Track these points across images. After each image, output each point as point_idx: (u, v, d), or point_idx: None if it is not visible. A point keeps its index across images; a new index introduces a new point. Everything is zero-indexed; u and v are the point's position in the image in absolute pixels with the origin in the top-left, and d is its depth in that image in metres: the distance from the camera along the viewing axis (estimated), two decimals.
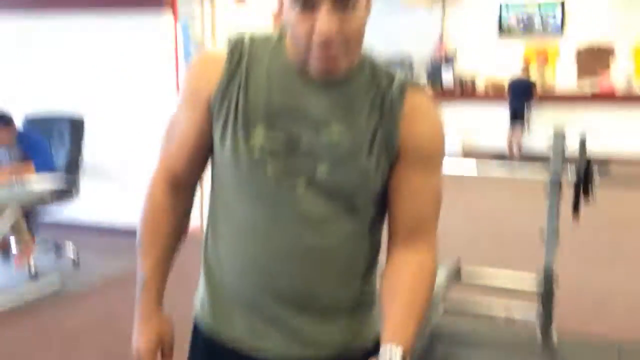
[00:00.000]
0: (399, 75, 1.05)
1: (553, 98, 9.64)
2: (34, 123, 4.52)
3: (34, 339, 3.14)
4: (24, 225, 4.05)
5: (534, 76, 9.55)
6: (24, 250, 4.07)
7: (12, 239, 4.11)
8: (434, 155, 1.05)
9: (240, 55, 1.03)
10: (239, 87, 1.01)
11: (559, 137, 2.77)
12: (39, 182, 3.81)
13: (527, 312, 3.03)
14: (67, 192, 4.24)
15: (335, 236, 1.03)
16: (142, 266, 1.12)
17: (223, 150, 1.02)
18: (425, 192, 1.05)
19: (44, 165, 3.99)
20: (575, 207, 2.65)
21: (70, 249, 4.39)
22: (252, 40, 1.05)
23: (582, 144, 2.74)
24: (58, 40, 5.09)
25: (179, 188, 1.11)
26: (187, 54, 4.91)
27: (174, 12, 4.79)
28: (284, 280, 1.03)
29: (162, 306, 1.15)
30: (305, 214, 1.00)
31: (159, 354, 1.14)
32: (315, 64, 0.96)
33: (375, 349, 0.99)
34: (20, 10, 5.11)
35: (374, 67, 1.04)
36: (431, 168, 1.05)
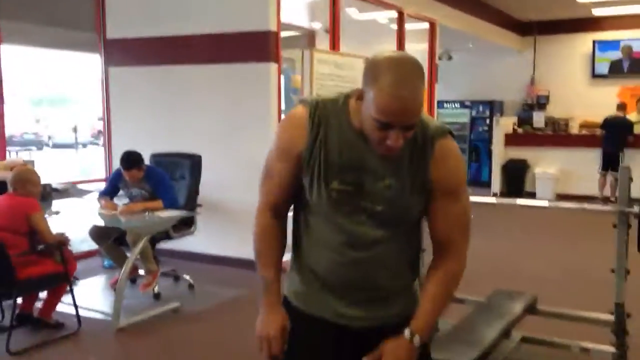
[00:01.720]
0: (431, 126, 1.45)
1: None
2: (159, 160, 5.23)
3: (157, 350, 3.70)
4: (151, 253, 4.71)
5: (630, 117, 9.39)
6: (150, 276, 4.72)
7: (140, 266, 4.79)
8: (458, 188, 1.47)
9: (318, 119, 1.46)
10: (320, 149, 1.46)
11: (625, 172, 3.02)
12: (166, 216, 4.45)
13: (602, 345, 3.22)
14: (187, 225, 4.89)
15: (388, 248, 1.49)
16: (264, 272, 1.56)
17: (311, 192, 1.48)
18: (452, 215, 1.48)
19: (169, 201, 4.63)
20: None
21: (187, 277, 5.02)
22: (324, 105, 1.47)
23: None
24: (182, 87, 5.87)
25: (279, 214, 1.59)
26: (288, 98, 5.69)
27: (278, 63, 5.49)
28: (357, 280, 1.51)
29: (281, 301, 1.58)
30: (368, 236, 1.47)
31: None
32: (380, 151, 1.38)
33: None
34: (156, 63, 5.97)
35: None
36: (456, 196, 1.47)
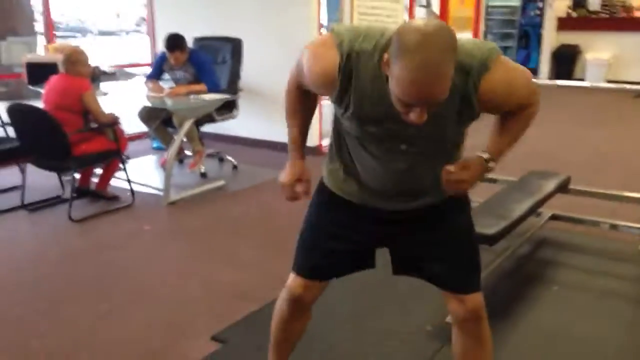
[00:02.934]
0: (475, 63, 1.34)
1: None
2: (201, 44, 5.29)
3: (206, 223, 3.96)
4: (197, 135, 4.90)
5: None
6: (196, 156, 4.95)
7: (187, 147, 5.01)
8: (513, 99, 1.43)
9: (349, 72, 1.38)
10: (351, 99, 1.41)
11: None
12: (210, 99, 4.58)
13: (631, 222, 3.30)
14: (229, 109, 5.03)
15: (427, 168, 1.54)
16: (291, 128, 1.69)
17: (347, 125, 1.49)
18: (516, 104, 1.46)
19: (212, 84, 4.75)
20: None
21: (231, 158, 5.23)
22: (358, 56, 1.37)
23: None
24: None
25: (308, 92, 1.63)
26: None
27: None
28: (397, 190, 1.58)
29: (303, 156, 1.72)
30: (406, 166, 1.51)
31: (297, 187, 1.71)
32: (405, 119, 1.30)
33: (447, 202, 1.61)
34: None
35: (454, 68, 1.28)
36: (514, 101, 1.44)
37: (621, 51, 9.68)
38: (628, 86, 3.07)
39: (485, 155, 1.51)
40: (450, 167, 1.47)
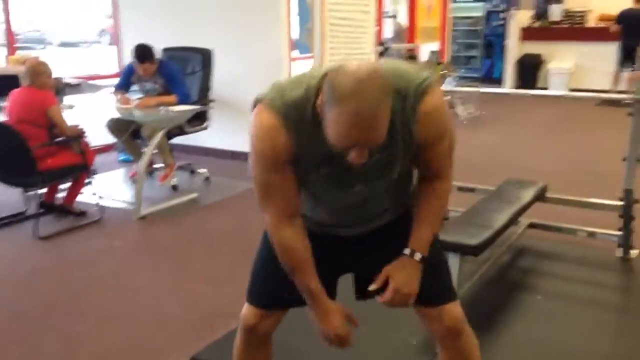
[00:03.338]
0: (410, 89, 1.33)
1: None
2: (170, 55, 5.17)
3: (180, 237, 3.85)
4: (167, 147, 4.78)
5: None
6: (167, 169, 4.82)
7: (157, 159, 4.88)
8: (442, 137, 1.41)
9: (293, 124, 1.34)
10: (302, 149, 1.37)
11: None
12: (180, 110, 4.47)
13: (608, 230, 3.33)
14: (200, 120, 4.92)
15: (383, 199, 1.54)
16: (307, 283, 1.49)
17: (306, 178, 1.44)
18: (439, 154, 1.44)
19: (182, 96, 4.64)
20: None
21: (203, 170, 5.12)
22: (291, 108, 1.34)
23: None
24: None
25: (295, 216, 1.50)
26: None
27: None
28: (355, 221, 1.58)
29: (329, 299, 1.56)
30: (363, 201, 1.50)
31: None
32: (347, 159, 1.29)
33: (408, 212, 1.57)
34: None
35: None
36: (441, 142, 1.42)
37: (582, 60, 9.92)
38: (604, 95, 3.12)
39: (407, 251, 1.50)
40: (387, 298, 1.51)
